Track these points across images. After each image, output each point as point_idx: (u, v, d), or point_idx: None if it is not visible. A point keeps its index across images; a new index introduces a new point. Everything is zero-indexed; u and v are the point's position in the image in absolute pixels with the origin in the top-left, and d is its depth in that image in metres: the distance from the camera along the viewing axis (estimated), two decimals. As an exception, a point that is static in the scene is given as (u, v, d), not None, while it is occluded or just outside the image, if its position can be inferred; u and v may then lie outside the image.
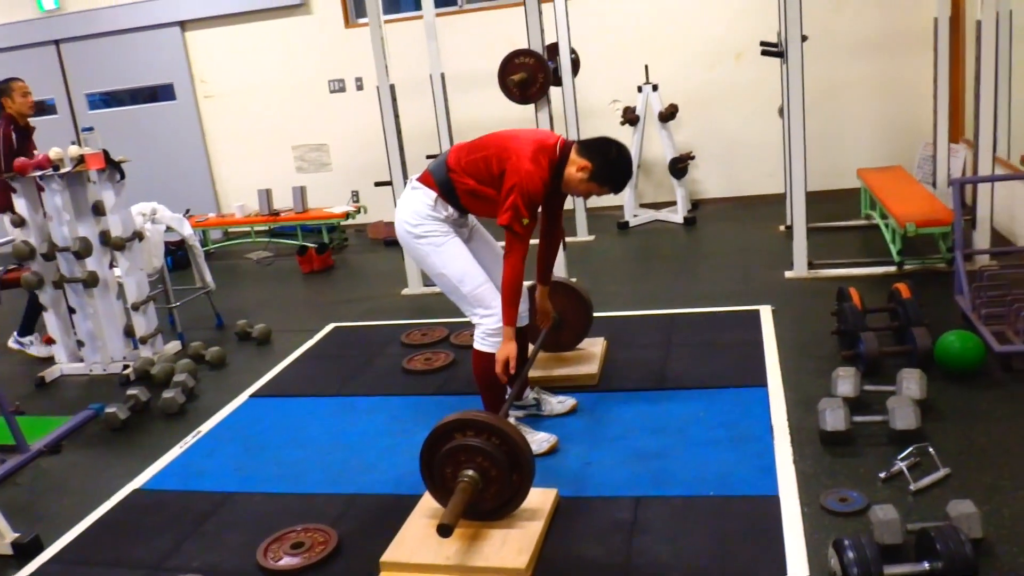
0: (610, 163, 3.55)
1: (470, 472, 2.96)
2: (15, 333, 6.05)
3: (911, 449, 3.24)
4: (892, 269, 5.57)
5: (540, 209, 3.68)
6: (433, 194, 3.64)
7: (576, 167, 3.54)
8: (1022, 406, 3.64)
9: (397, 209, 3.76)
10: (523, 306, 3.79)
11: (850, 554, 2.54)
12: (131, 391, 4.76)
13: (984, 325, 4.18)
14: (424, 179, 3.69)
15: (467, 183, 3.60)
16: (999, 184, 5.61)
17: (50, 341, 5.64)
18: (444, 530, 2.79)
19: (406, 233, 3.70)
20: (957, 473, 3.16)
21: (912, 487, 3.07)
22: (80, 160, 5.13)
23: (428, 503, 3.21)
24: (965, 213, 5.33)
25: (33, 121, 5.93)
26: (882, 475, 3.18)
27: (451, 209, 3.66)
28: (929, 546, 2.56)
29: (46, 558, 3.33)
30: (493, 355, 3.55)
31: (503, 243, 3.58)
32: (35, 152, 5.58)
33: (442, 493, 3.05)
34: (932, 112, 6.75)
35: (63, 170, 5.12)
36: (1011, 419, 3.55)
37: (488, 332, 3.59)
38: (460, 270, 3.64)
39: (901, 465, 3.17)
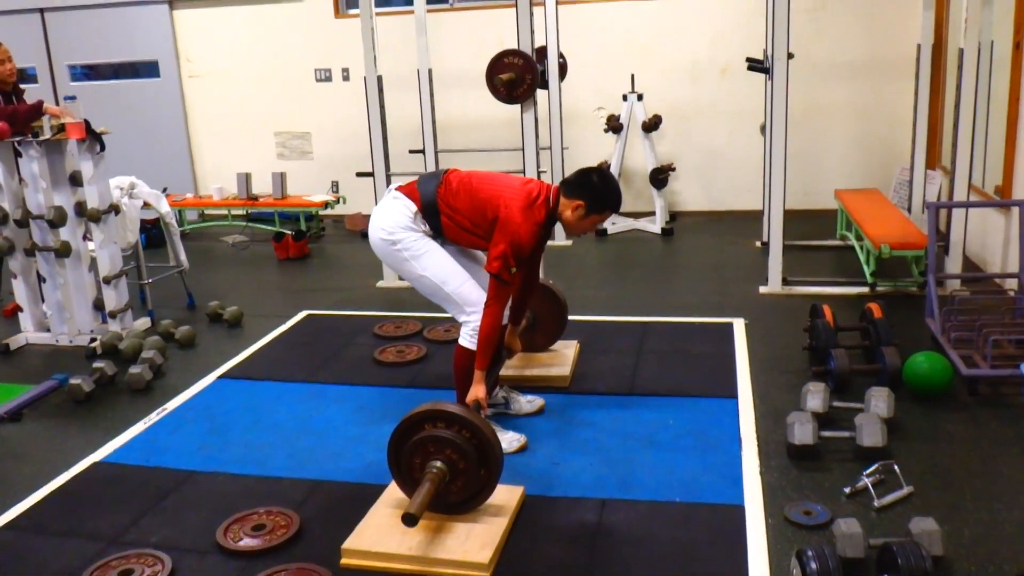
0: (598, 191, 3.57)
1: (438, 464, 2.95)
2: None
3: (876, 466, 3.27)
4: (865, 290, 5.63)
5: None
6: (414, 207, 3.64)
7: (570, 209, 3.56)
8: (986, 429, 3.69)
9: (374, 216, 3.74)
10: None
11: (813, 565, 2.56)
12: (97, 364, 4.70)
13: (952, 348, 4.23)
14: (408, 192, 3.69)
15: (452, 215, 3.61)
16: (972, 212, 5.68)
17: (16, 309, 5.56)
18: (409, 519, 2.78)
19: (381, 241, 3.69)
20: (920, 492, 3.19)
21: (876, 503, 3.10)
22: (60, 128, 5.07)
23: (393, 493, 3.19)
24: (939, 239, 5.39)
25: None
26: (847, 490, 3.20)
27: (426, 226, 3.67)
28: (891, 561, 2.58)
29: (1, 524, 3.28)
30: (475, 352, 3.54)
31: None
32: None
33: (408, 483, 3.04)
34: (910, 137, 6.83)
35: (42, 137, 5.06)
36: (975, 442, 3.59)
37: (475, 329, 3.57)
38: (441, 270, 3.64)
39: (866, 481, 3.19)
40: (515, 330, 4.08)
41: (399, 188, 3.73)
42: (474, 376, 3.53)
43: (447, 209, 3.62)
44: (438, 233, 3.69)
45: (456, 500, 3.04)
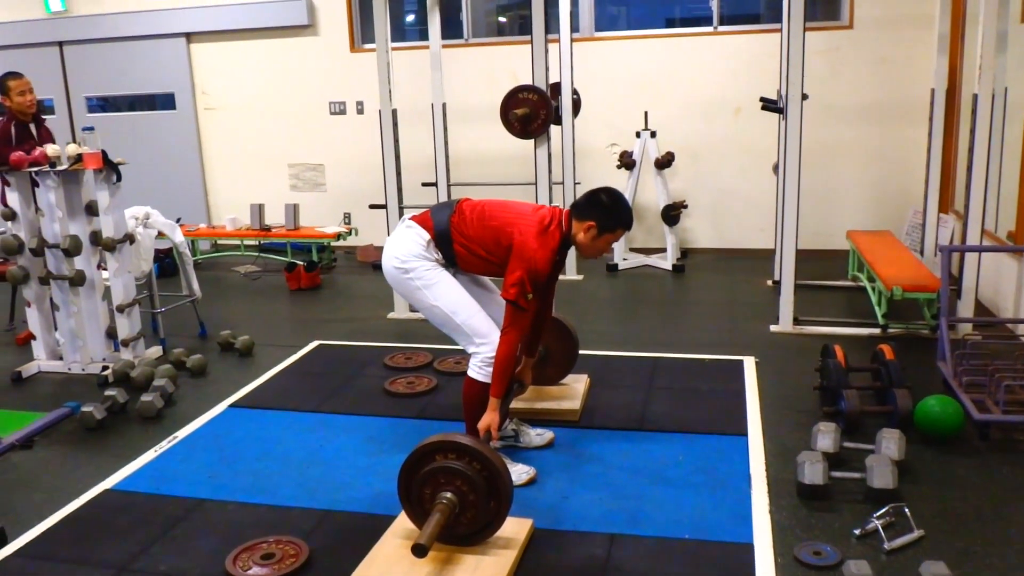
0: (608, 209, 3.59)
1: (448, 495, 2.95)
2: None
3: (887, 508, 3.25)
4: (876, 331, 5.62)
5: None
6: (427, 236, 3.67)
7: (583, 231, 3.59)
8: (997, 475, 3.66)
9: (387, 245, 3.77)
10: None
11: (823, 605, 2.55)
12: (109, 392, 4.72)
13: (964, 392, 4.22)
14: (421, 221, 3.72)
15: (466, 243, 3.64)
16: (986, 257, 5.68)
17: (30, 337, 5.59)
18: (419, 550, 2.77)
19: (394, 270, 3.71)
20: (931, 536, 3.17)
21: (886, 546, 3.08)
22: (78, 159, 5.12)
23: (402, 524, 3.19)
24: (951, 283, 5.39)
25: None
26: (857, 532, 3.18)
27: (439, 255, 3.70)
28: (901, 603, 2.57)
29: (10, 551, 3.27)
30: (485, 384, 3.55)
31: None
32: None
33: (418, 513, 3.04)
34: (923, 181, 6.86)
35: (60, 167, 5.12)
36: (986, 487, 3.56)
37: (485, 361, 3.58)
38: (452, 301, 3.66)
39: (876, 523, 3.17)
40: (528, 363, 4.09)
41: (413, 218, 3.77)
42: (489, 403, 3.53)
43: (460, 238, 3.65)
44: (451, 262, 3.71)
45: (465, 532, 3.03)
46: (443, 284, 3.67)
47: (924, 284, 5.42)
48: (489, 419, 3.51)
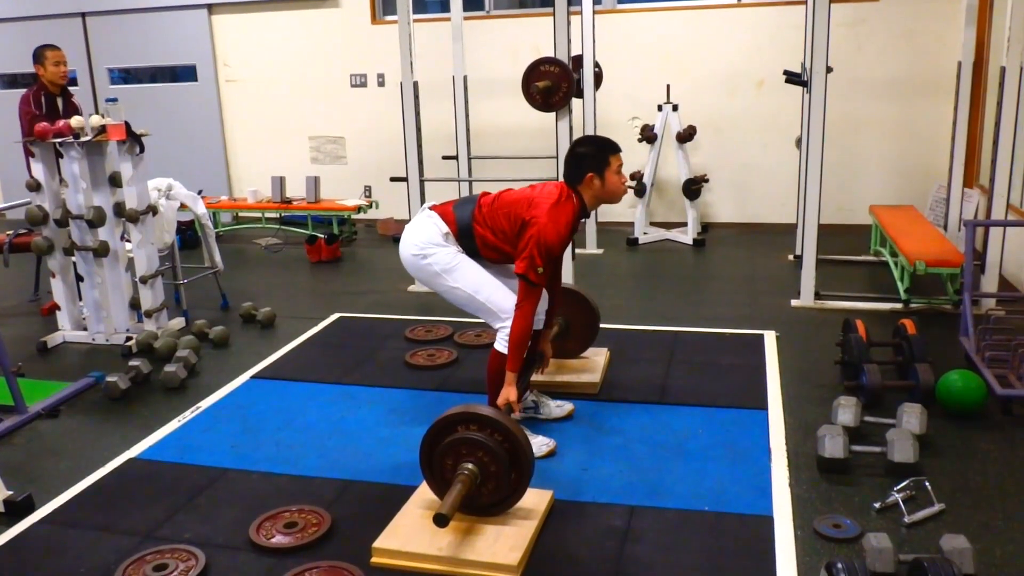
0: (590, 155, 3.62)
1: (470, 465, 2.97)
2: None
3: (908, 482, 3.25)
4: (898, 306, 5.59)
5: None
6: (446, 228, 3.70)
7: (589, 188, 3.63)
8: (1019, 450, 3.65)
9: (406, 233, 3.80)
10: (541, 304, 3.83)
11: (843, 577, 2.55)
12: (133, 362, 4.77)
13: (987, 367, 4.20)
14: (442, 212, 3.75)
15: (487, 234, 3.67)
16: (1010, 231, 5.63)
17: (54, 308, 5.64)
18: (440, 520, 2.80)
19: (412, 257, 3.75)
20: (951, 509, 3.17)
21: (906, 519, 3.08)
22: (101, 130, 5.15)
23: (423, 494, 3.21)
24: (975, 257, 5.35)
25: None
26: (877, 505, 3.18)
27: (458, 247, 3.73)
28: (921, 576, 2.57)
29: (37, 518, 3.33)
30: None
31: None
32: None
33: (439, 484, 3.06)
34: (948, 155, 6.79)
35: (83, 139, 5.14)
36: (1007, 462, 3.55)
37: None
38: (473, 280, 3.69)
39: (897, 497, 3.17)
40: (547, 335, 4.10)
41: (433, 207, 3.79)
42: (506, 378, 3.56)
43: (482, 230, 3.68)
44: (473, 253, 3.74)
45: (487, 502, 3.06)
46: (462, 266, 3.70)
47: (947, 259, 5.38)
48: (506, 393, 3.53)
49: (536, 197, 3.62)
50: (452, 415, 3.03)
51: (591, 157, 3.62)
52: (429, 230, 3.72)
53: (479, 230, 3.68)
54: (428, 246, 3.70)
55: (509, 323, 3.60)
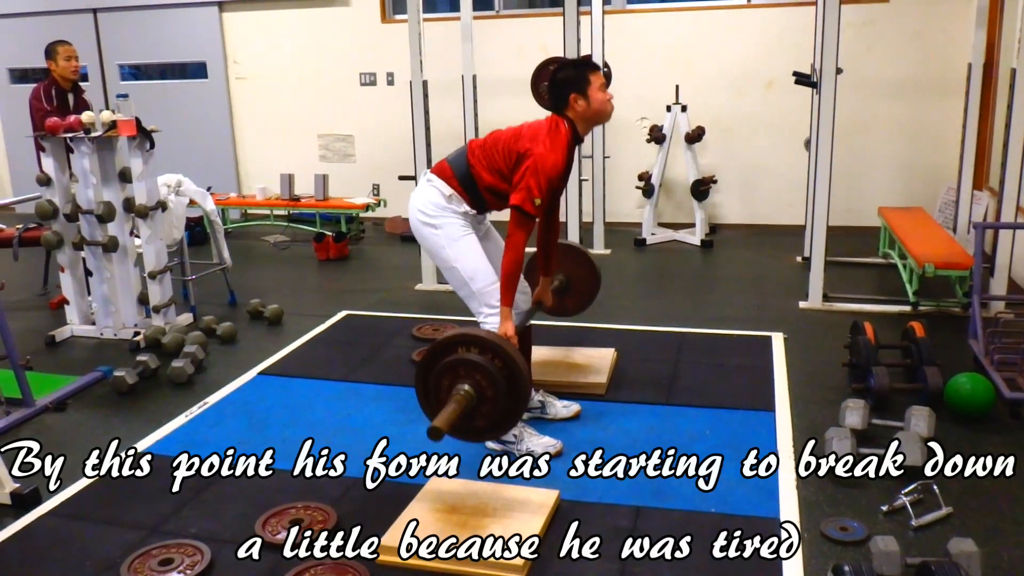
0: (570, 79, 3.59)
1: (466, 386, 2.95)
2: None
3: (915, 485, 3.24)
4: (907, 308, 5.57)
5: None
6: (449, 190, 3.67)
7: (574, 109, 3.59)
8: (1028, 453, 3.64)
9: (412, 200, 3.78)
10: (524, 304, 3.84)
11: (849, 580, 2.55)
12: (141, 357, 4.78)
13: (995, 370, 4.18)
14: (441, 172, 3.71)
15: (486, 178, 3.63)
16: (1019, 234, 5.61)
17: (63, 302, 5.66)
18: (434, 432, 2.79)
19: (420, 224, 3.72)
20: (959, 513, 3.15)
21: (913, 522, 3.07)
22: (112, 125, 5.16)
23: (430, 491, 3.22)
24: (984, 260, 5.33)
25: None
26: (884, 508, 3.17)
27: (466, 205, 3.69)
28: (928, 580, 2.56)
29: (44, 511, 3.34)
30: None
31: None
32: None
33: (434, 405, 3.03)
34: (958, 157, 6.78)
35: (94, 134, 5.16)
36: (1015, 465, 3.53)
37: (491, 329, 3.59)
38: (472, 266, 3.68)
39: (904, 500, 3.16)
40: (546, 282, 4.09)
41: (431, 170, 3.77)
42: (501, 313, 3.55)
43: (480, 171, 3.63)
44: (478, 204, 3.70)
45: (481, 425, 3.03)
46: (467, 246, 3.67)
47: (957, 261, 5.36)
48: (503, 328, 3.53)
49: (527, 130, 3.60)
50: (453, 336, 3.00)
51: (571, 79, 3.58)
52: (430, 194, 3.69)
53: (478, 172, 3.63)
54: (435, 212, 3.67)
55: (491, 320, 3.62)
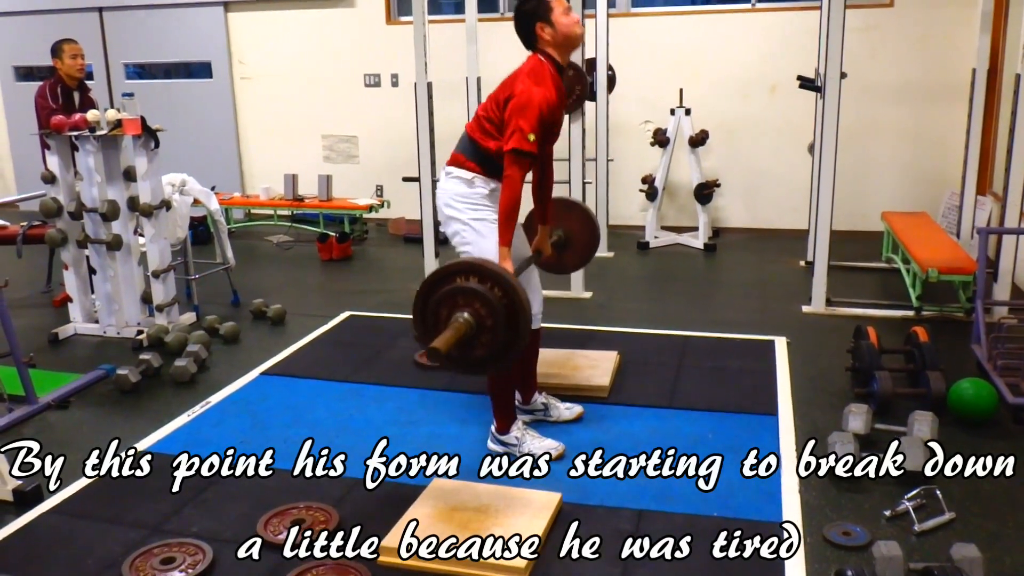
0: (531, 7, 3.54)
1: (465, 315, 2.85)
2: None
3: (918, 490, 3.23)
4: (910, 313, 5.57)
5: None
6: (468, 173, 3.59)
7: (545, 36, 3.54)
8: (1031, 459, 3.64)
9: (438, 195, 3.72)
10: (536, 307, 3.79)
11: (851, 584, 2.54)
12: (144, 356, 4.78)
13: (999, 376, 4.18)
14: (454, 161, 3.65)
15: (491, 145, 3.54)
16: (1023, 239, 5.61)
17: (66, 299, 5.67)
18: (434, 353, 2.71)
19: (446, 218, 3.65)
20: (962, 518, 3.15)
21: (916, 527, 3.06)
22: (117, 124, 5.17)
23: (432, 492, 3.22)
24: (988, 265, 5.33)
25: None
26: (887, 513, 3.17)
27: (491, 182, 3.59)
28: (931, 585, 2.56)
29: (45, 508, 3.34)
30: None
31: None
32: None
33: (431, 335, 2.91)
34: (961, 162, 6.76)
35: (99, 132, 5.16)
36: (1018, 471, 3.53)
37: None
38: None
39: (907, 505, 3.16)
40: (545, 231, 4.02)
41: (447, 164, 3.70)
42: (499, 253, 3.45)
43: (486, 144, 3.55)
44: (499, 174, 3.54)
45: (481, 355, 2.93)
46: (492, 244, 3.54)
47: (960, 266, 5.36)
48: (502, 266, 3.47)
49: (508, 79, 3.55)
50: (453, 264, 2.93)
51: (532, 10, 3.53)
52: (452, 185, 3.62)
53: (483, 143, 3.54)
54: (465, 200, 3.59)
55: None
